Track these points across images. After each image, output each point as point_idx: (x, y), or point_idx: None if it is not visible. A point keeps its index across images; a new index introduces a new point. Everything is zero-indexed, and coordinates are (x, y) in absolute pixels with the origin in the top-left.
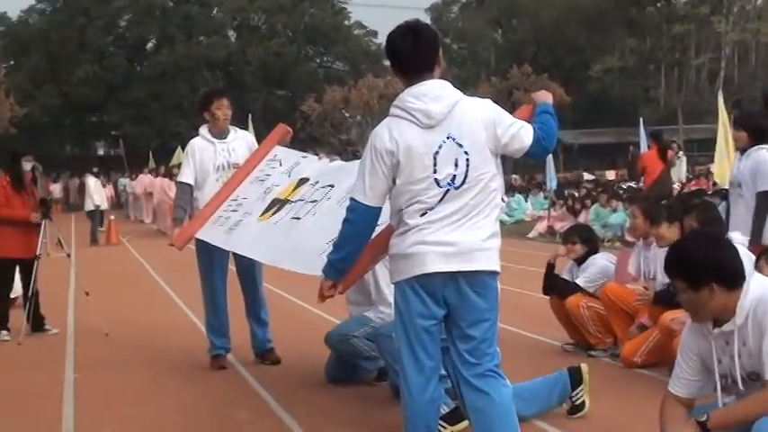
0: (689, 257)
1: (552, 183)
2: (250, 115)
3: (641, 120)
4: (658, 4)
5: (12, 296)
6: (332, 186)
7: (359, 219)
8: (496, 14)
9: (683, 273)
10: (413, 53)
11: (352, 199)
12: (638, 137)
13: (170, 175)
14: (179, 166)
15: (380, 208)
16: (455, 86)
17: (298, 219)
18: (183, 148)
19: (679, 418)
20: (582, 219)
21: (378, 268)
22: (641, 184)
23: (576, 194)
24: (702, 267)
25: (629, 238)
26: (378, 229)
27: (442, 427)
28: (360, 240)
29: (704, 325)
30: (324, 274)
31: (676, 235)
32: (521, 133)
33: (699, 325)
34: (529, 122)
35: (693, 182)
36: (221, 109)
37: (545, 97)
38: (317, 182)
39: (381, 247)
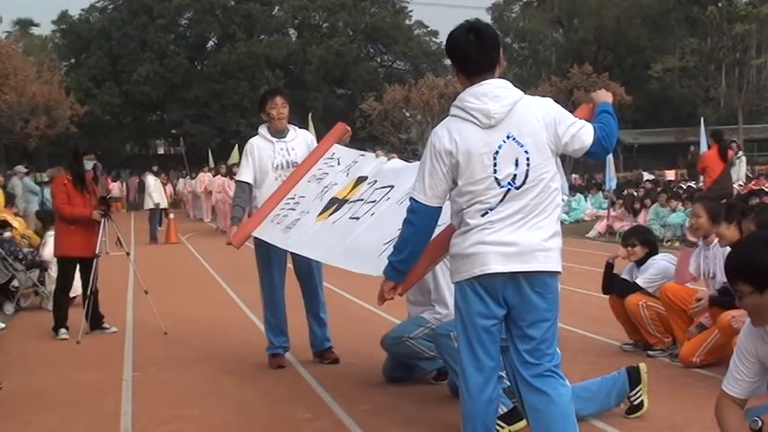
0: (754, 260)
1: (611, 183)
2: (310, 114)
3: (702, 120)
4: (719, 4)
5: (71, 295)
6: (392, 187)
7: (419, 219)
8: (557, 14)
9: (748, 276)
10: (475, 52)
11: (411, 199)
12: (698, 137)
13: (230, 173)
14: (238, 164)
15: (440, 208)
16: (516, 86)
17: (356, 219)
18: (240, 148)
19: (736, 422)
20: (641, 219)
21: (438, 269)
22: (701, 184)
23: (636, 194)
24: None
25: (690, 237)
26: (437, 231)
27: (500, 426)
28: (420, 241)
29: (762, 328)
30: (384, 275)
31: (737, 235)
32: (581, 133)
33: (757, 328)
34: (588, 122)
35: (754, 182)
36: (275, 108)
37: (605, 96)
38: (376, 181)
39: (441, 249)
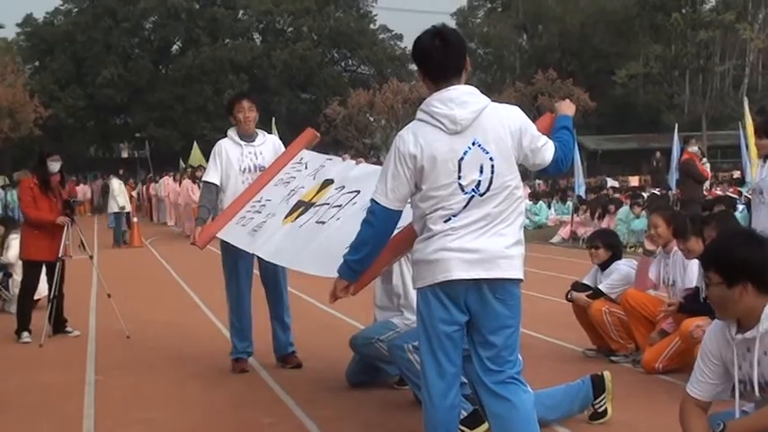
0: (731, 253)
1: (580, 189)
2: (273, 118)
3: (676, 126)
4: (683, 11)
5: (36, 297)
6: (358, 192)
7: (378, 221)
8: (522, 20)
9: (721, 267)
10: (441, 58)
11: (372, 200)
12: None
13: (194, 177)
14: (199, 167)
15: (400, 211)
16: (480, 91)
17: (323, 223)
18: (201, 149)
19: (698, 427)
20: (605, 225)
21: (407, 273)
22: (674, 191)
23: (608, 196)
24: (742, 265)
25: (648, 246)
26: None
27: (462, 431)
28: (378, 243)
29: (727, 330)
30: (338, 273)
31: (702, 247)
32: (543, 149)
33: (721, 330)
34: (547, 134)
35: (719, 187)
36: (242, 111)
37: (567, 109)
38: (343, 186)
39: (396, 251)
